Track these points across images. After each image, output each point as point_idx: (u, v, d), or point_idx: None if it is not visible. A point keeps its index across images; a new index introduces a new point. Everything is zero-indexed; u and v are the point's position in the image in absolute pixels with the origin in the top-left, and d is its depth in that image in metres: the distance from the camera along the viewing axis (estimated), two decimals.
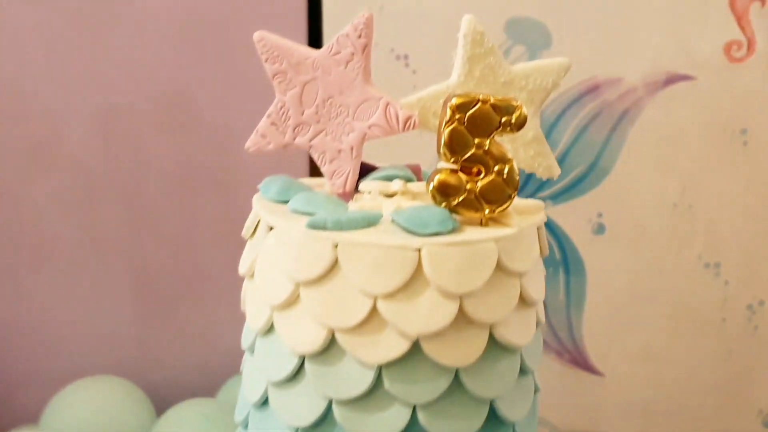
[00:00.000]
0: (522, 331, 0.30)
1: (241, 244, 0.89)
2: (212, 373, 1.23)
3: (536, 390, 0.33)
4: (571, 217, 1.08)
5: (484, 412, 0.30)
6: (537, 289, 0.31)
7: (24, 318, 1.15)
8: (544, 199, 1.06)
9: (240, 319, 0.91)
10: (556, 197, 1.08)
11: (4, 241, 1.13)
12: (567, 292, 1.12)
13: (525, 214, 0.32)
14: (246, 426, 0.33)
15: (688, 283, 1.11)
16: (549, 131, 1.04)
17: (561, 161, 1.06)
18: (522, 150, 0.33)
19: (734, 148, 1.07)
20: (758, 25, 1.02)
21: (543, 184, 1.06)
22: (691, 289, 1.11)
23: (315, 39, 1.00)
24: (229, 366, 1.20)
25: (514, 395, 0.31)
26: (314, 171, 1.04)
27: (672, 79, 1.05)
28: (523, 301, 0.31)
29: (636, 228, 1.09)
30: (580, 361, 1.15)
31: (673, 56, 1.04)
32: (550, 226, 1.09)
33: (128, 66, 1.08)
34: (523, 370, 0.31)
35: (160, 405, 1.13)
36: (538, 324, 0.32)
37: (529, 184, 1.06)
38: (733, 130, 1.06)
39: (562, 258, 1.11)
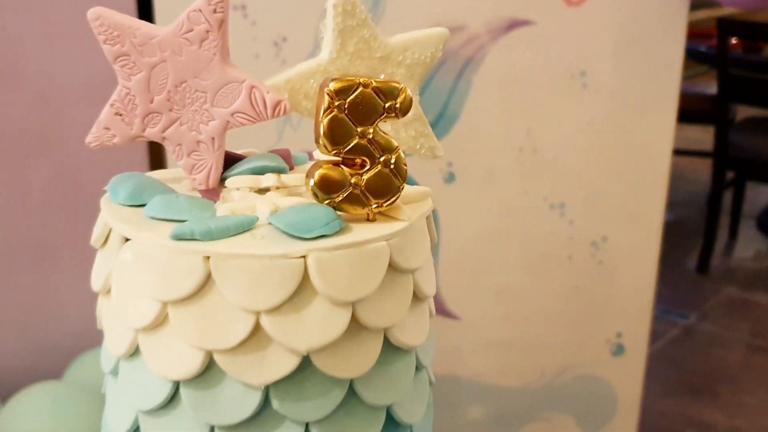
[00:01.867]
0: (417, 330, 0.28)
1: (80, 210, 0.81)
2: (57, 352, 1.16)
3: (431, 383, 0.31)
4: (422, 168, 1.08)
5: (381, 419, 0.28)
6: (430, 284, 0.29)
7: None
8: None
9: (87, 291, 0.83)
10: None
11: None
12: None
13: (412, 203, 0.29)
14: None
15: (536, 224, 1.15)
16: None
17: None
18: (403, 130, 0.31)
19: (574, 90, 1.11)
20: None
21: None
22: (538, 229, 1.15)
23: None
24: (76, 344, 1.13)
25: (410, 397, 0.29)
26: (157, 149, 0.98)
27: (514, 25, 1.06)
28: (417, 298, 0.28)
29: (485, 174, 1.11)
30: (437, 307, 1.17)
31: (514, 2, 1.05)
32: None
33: None
34: (418, 368, 0.29)
35: (2, 392, 1.05)
36: (430, 316, 0.30)
37: None
38: (573, 73, 1.10)
39: None
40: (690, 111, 1.90)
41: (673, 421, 1.45)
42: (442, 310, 1.19)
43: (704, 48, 2.09)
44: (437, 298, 1.18)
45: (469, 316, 1.18)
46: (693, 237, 1.90)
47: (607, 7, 1.09)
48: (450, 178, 1.12)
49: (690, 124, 2.07)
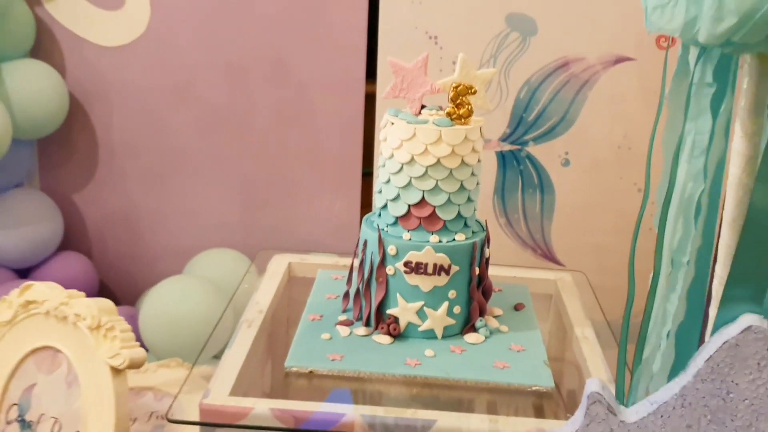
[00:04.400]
0: (473, 159, 1.08)
1: (317, 165, 1.70)
2: (290, 250, 1.97)
3: (478, 183, 1.10)
4: (547, 153, 1.83)
5: (458, 184, 1.08)
6: (480, 146, 1.09)
7: (167, 207, 1.93)
8: (527, 141, 1.81)
9: (313, 217, 1.82)
10: (537, 140, 1.83)
11: (155, 154, 1.91)
12: (541, 207, 1.88)
13: (476, 123, 1.09)
14: (380, 192, 1.10)
15: (627, 202, 1.84)
16: (532, 93, 1.79)
17: (540, 114, 1.81)
18: (480, 100, 1.10)
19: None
20: None
21: (527, 130, 1.81)
22: (628, 206, 1.84)
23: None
24: (304, 247, 1.95)
25: (470, 179, 1.09)
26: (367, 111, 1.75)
27: (619, 60, 1.78)
28: (473, 150, 1.08)
29: (592, 163, 1.83)
30: (549, 255, 1.91)
31: (621, 44, 1.76)
32: (531, 159, 1.84)
33: (245, 34, 1.83)
34: (473, 174, 1.09)
35: (259, 266, 1.88)
36: (479, 161, 1.09)
37: (518, 129, 1.80)
38: (660, 95, 1.77)
39: (539, 182, 1.87)
40: None
41: None
42: (553, 258, 1.91)
43: None
44: (549, 250, 1.91)
45: (572, 264, 1.89)
46: None
47: None
48: (566, 163, 1.85)
49: None
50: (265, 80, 1.89)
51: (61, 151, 1.92)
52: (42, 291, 0.95)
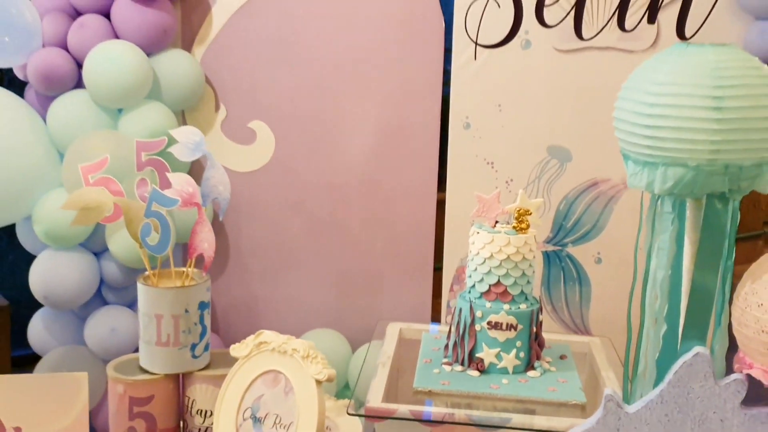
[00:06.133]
0: (531, 256, 1.88)
1: (397, 261, 2.54)
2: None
3: (534, 271, 1.89)
4: (583, 253, 2.66)
5: (521, 272, 1.86)
6: (534, 247, 1.88)
7: (278, 295, 2.75)
8: (567, 243, 2.60)
9: (394, 303, 2.72)
10: (575, 242, 2.64)
11: (271, 253, 2.75)
12: (580, 296, 2.68)
13: (532, 233, 1.88)
14: (470, 277, 1.89)
15: None
16: (569, 206, 2.60)
17: (576, 222, 2.61)
18: (533, 219, 1.89)
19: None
20: None
21: (567, 234, 2.60)
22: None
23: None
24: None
25: (529, 270, 1.87)
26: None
27: None
28: (530, 249, 1.88)
29: (619, 260, 2.62)
30: (586, 333, 2.64)
31: None
32: (570, 258, 2.63)
33: (344, 160, 2.65)
34: (531, 265, 1.87)
35: (354, 345, 2.68)
36: (534, 257, 1.88)
37: (559, 233, 2.60)
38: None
39: (578, 276, 2.66)
40: None
41: None
42: (589, 334, 2.66)
43: None
44: (588, 332, 2.66)
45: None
46: None
47: None
48: (599, 260, 2.62)
49: None
50: (357, 194, 2.69)
51: None
52: (269, 336, 1.74)
